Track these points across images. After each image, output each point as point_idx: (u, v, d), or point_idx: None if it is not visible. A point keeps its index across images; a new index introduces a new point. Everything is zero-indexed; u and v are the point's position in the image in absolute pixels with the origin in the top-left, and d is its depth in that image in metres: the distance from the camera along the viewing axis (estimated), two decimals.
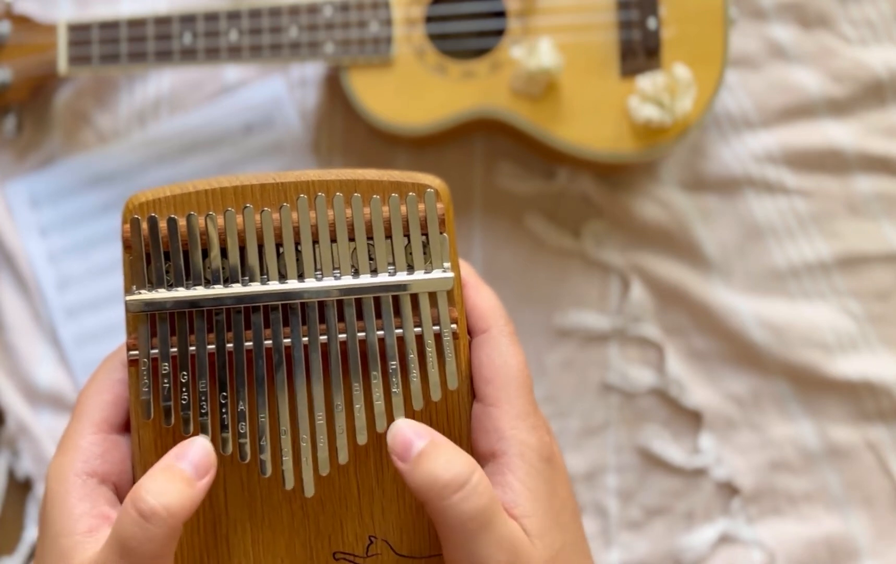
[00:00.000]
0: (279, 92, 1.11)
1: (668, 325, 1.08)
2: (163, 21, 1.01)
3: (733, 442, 1.07)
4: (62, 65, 1.02)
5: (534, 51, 0.98)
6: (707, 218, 1.09)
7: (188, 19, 1.01)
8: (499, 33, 1.03)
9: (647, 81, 0.99)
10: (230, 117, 1.11)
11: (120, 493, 0.63)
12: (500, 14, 1.03)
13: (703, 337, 1.08)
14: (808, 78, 1.10)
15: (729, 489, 1.07)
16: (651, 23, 1.01)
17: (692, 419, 1.07)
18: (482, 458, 0.62)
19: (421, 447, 0.58)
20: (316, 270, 0.61)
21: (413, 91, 1.01)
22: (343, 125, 1.11)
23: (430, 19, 1.03)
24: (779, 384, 1.07)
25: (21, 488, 1.07)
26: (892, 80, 1.10)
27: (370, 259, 0.62)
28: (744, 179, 1.09)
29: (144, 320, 0.61)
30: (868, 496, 1.06)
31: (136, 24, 1.01)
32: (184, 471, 0.57)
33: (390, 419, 0.62)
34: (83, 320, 1.07)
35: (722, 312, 1.07)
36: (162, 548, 0.54)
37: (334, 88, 1.11)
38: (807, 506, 1.06)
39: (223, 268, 0.61)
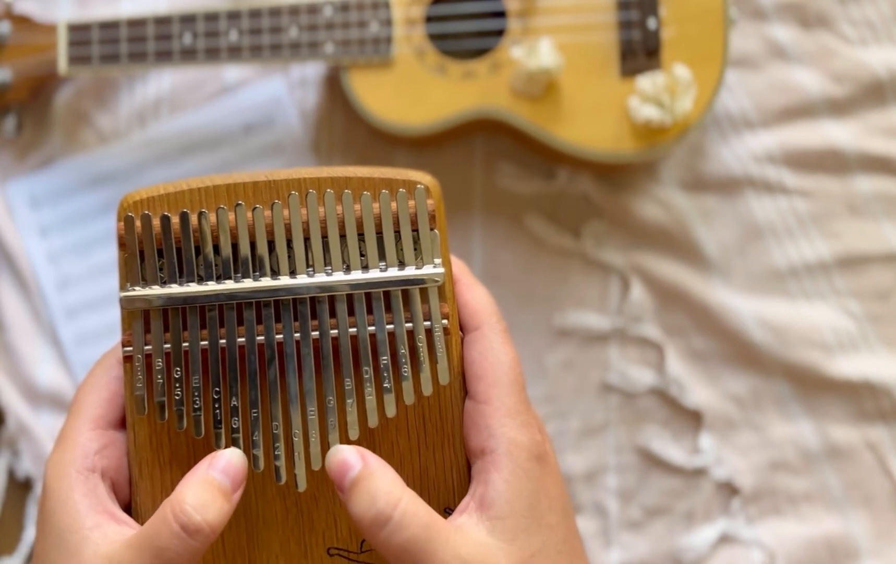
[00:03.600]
0: (279, 92, 1.11)
1: (668, 325, 1.08)
2: (163, 21, 1.01)
3: (733, 442, 1.07)
4: (62, 65, 1.02)
5: (534, 51, 0.98)
6: (707, 218, 1.09)
7: (188, 19, 1.01)
8: (499, 33, 1.03)
9: (647, 81, 0.99)
10: (230, 117, 1.11)
11: (116, 489, 0.63)
12: (500, 14, 1.03)
13: (703, 337, 1.08)
14: (808, 78, 1.10)
15: (729, 489, 1.06)
16: (651, 23, 1.01)
17: (692, 419, 1.07)
18: (473, 454, 0.63)
19: (352, 476, 0.58)
20: (307, 266, 0.61)
21: (413, 91, 1.01)
22: (343, 125, 1.11)
23: (430, 19, 1.03)
24: (779, 384, 1.07)
25: (21, 488, 1.07)
26: (892, 80, 1.10)
27: (361, 256, 0.62)
28: (744, 179, 1.09)
29: (138, 317, 0.61)
30: (868, 496, 1.06)
31: (136, 24, 1.01)
32: (222, 484, 0.58)
33: (382, 414, 0.62)
34: (83, 320, 1.08)
35: (722, 312, 1.07)
36: (196, 559, 0.56)
37: (334, 88, 1.11)
38: (807, 506, 1.06)
39: (216, 265, 0.61)
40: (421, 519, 0.57)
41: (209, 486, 0.57)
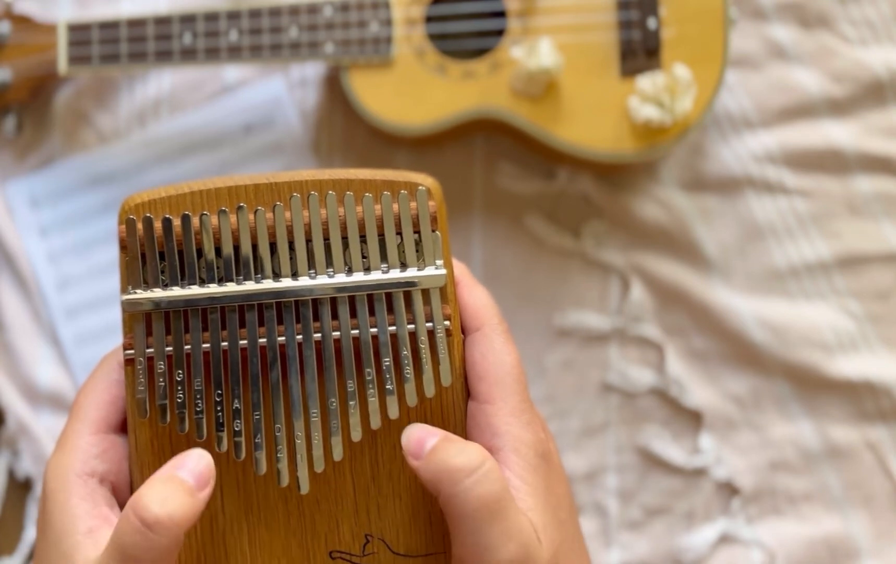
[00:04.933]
0: (279, 92, 1.11)
1: (668, 325, 1.08)
2: (163, 21, 1.01)
3: (733, 442, 1.07)
4: (62, 65, 1.02)
5: (534, 51, 0.98)
6: (707, 218, 1.09)
7: (188, 19, 1.01)
8: (499, 33, 1.03)
9: (647, 81, 0.99)
10: (230, 117, 1.11)
11: (117, 493, 0.63)
12: (500, 14, 1.03)
13: (703, 337, 1.08)
14: (808, 78, 1.10)
15: (729, 489, 1.06)
16: (651, 23, 1.01)
17: (692, 419, 1.07)
18: None
19: (433, 443, 0.59)
20: (310, 268, 0.61)
21: (413, 91, 1.01)
22: (343, 125, 1.11)
23: (430, 19, 1.03)
24: (779, 384, 1.07)
25: (21, 488, 1.07)
26: (892, 80, 1.10)
27: (363, 257, 0.62)
28: (744, 179, 1.09)
29: (140, 320, 0.61)
30: (868, 496, 1.06)
31: (136, 24, 1.01)
32: (185, 481, 0.57)
33: (384, 415, 0.62)
34: (83, 320, 1.08)
35: (722, 312, 1.07)
36: (165, 557, 0.54)
37: (334, 88, 1.11)
38: (807, 506, 1.06)
39: (218, 267, 0.61)
40: (503, 482, 0.58)
41: (170, 481, 0.57)
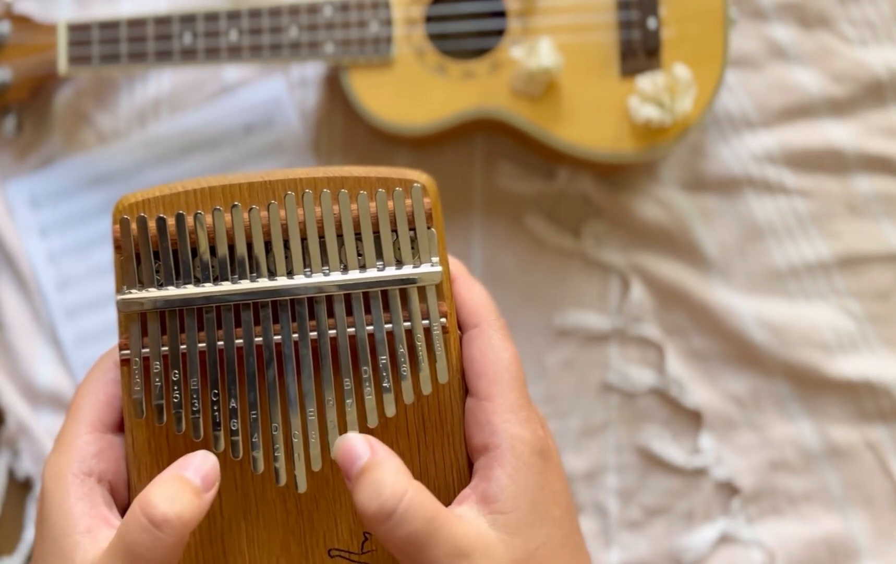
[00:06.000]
0: (279, 92, 1.11)
1: (668, 325, 1.08)
2: (163, 21, 1.01)
3: (733, 442, 1.07)
4: (62, 65, 1.02)
5: (534, 51, 0.98)
6: (707, 218, 1.09)
7: (188, 19, 1.01)
8: (499, 33, 1.03)
9: (647, 81, 0.98)
10: (230, 117, 1.11)
11: (115, 492, 0.63)
12: (500, 14, 1.03)
13: (703, 337, 1.08)
14: (808, 78, 1.10)
15: (729, 489, 1.06)
16: (651, 23, 1.01)
17: (692, 419, 1.07)
18: (476, 451, 0.63)
19: (360, 465, 0.58)
20: (305, 266, 0.61)
21: (413, 91, 1.01)
22: (343, 125, 1.11)
23: (430, 19, 1.03)
24: (779, 384, 1.07)
25: (21, 488, 1.07)
26: (892, 80, 1.09)
27: (359, 255, 0.62)
28: (744, 179, 1.09)
29: (135, 320, 0.61)
30: (868, 496, 1.06)
31: (136, 24, 1.01)
32: (191, 481, 0.57)
33: (381, 413, 0.62)
34: (83, 320, 1.08)
35: (722, 312, 1.07)
36: (170, 556, 0.55)
37: (334, 88, 1.11)
38: (807, 506, 1.06)
39: (213, 266, 0.61)
40: (425, 513, 0.57)
41: (177, 481, 0.57)
